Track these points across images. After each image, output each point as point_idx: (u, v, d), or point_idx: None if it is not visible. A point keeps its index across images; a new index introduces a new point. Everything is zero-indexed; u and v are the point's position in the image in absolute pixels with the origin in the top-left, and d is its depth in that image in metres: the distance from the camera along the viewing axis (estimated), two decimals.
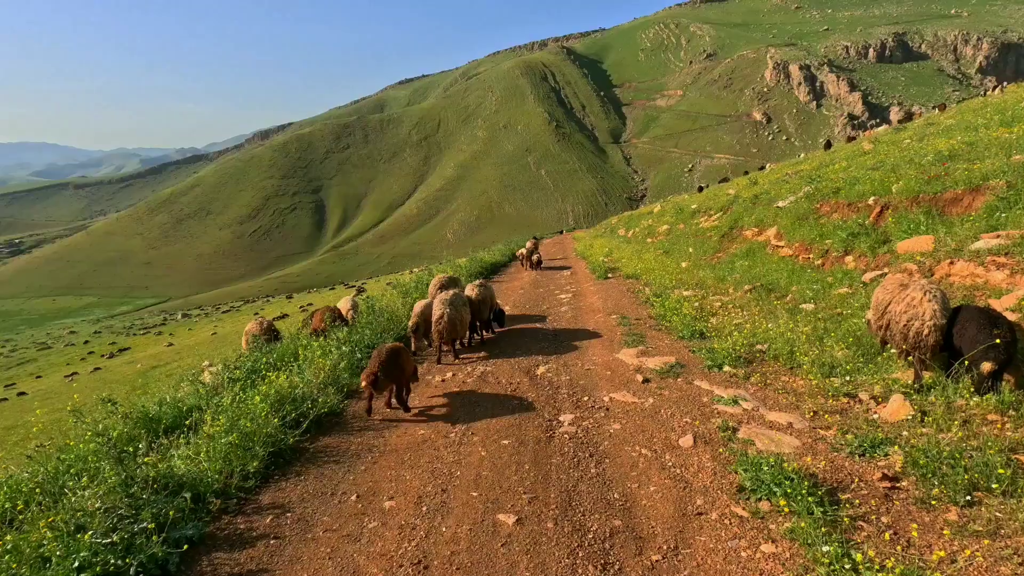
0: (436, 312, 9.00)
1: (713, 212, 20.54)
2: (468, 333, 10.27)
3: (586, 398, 7.08)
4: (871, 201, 11.18)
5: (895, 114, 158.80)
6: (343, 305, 12.23)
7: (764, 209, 15.78)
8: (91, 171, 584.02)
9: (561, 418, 6.49)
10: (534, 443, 5.88)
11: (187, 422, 6.34)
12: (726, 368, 7.48)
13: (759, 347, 7.92)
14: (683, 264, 16.22)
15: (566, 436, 6.01)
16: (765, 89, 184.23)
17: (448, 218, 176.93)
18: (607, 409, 6.63)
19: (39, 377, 37.62)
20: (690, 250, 18.06)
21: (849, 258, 10.45)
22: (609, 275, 17.46)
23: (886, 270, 8.81)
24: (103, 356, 42.31)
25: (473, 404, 7.15)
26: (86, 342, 55.78)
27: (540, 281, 18.75)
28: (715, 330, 9.13)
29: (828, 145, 33.04)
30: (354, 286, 62.03)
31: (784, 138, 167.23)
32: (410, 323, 9.65)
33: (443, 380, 8.31)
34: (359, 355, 8.79)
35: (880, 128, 34.70)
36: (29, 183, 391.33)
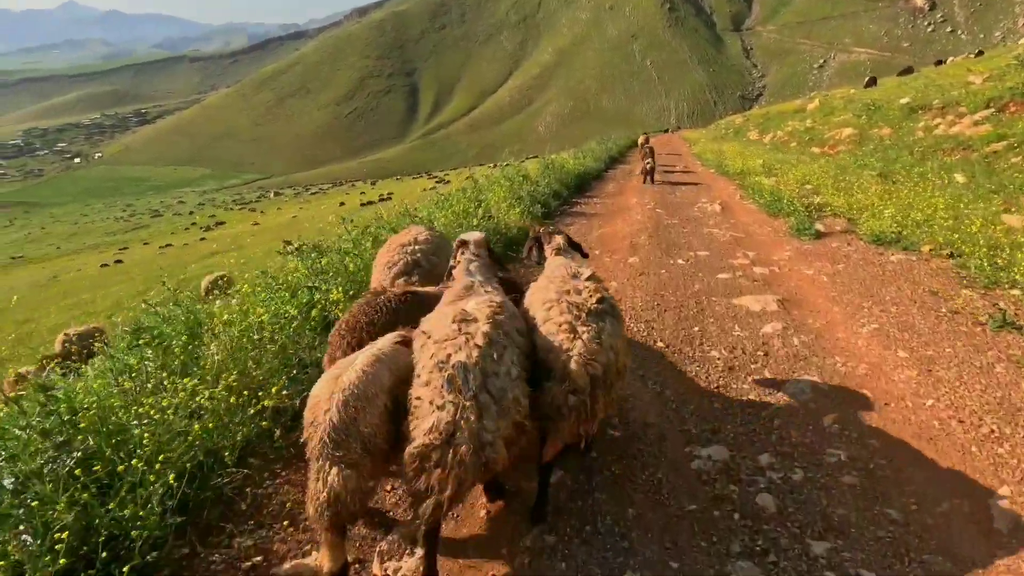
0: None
1: (965, 109, 12.77)
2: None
3: None
4: None
5: None
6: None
7: None
8: (202, 45, 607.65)
9: None
10: None
11: None
12: None
13: None
14: (1011, 219, 6.71)
15: None
16: None
17: (541, 109, 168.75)
18: None
19: (146, 244, 40.72)
20: (957, 178, 9.12)
21: None
22: (818, 226, 8.29)
23: None
24: (201, 228, 45.00)
25: None
26: (191, 212, 59.86)
27: (668, 225, 9.59)
28: None
29: None
30: (436, 177, 61.01)
31: (948, 30, 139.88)
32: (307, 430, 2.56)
33: None
34: None
35: None
36: (151, 55, 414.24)
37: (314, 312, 4.72)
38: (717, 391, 4.13)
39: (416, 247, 4.16)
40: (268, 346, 4.13)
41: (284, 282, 5.31)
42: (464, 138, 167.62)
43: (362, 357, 2.62)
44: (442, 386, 2.41)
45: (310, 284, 5.14)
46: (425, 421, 2.40)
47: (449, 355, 2.47)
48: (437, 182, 47.09)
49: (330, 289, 4.91)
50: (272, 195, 77.84)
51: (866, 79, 34.06)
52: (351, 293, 4.95)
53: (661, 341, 4.97)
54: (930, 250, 6.65)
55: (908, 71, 35.34)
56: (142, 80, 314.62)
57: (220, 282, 7.88)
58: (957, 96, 13.79)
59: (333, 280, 5.27)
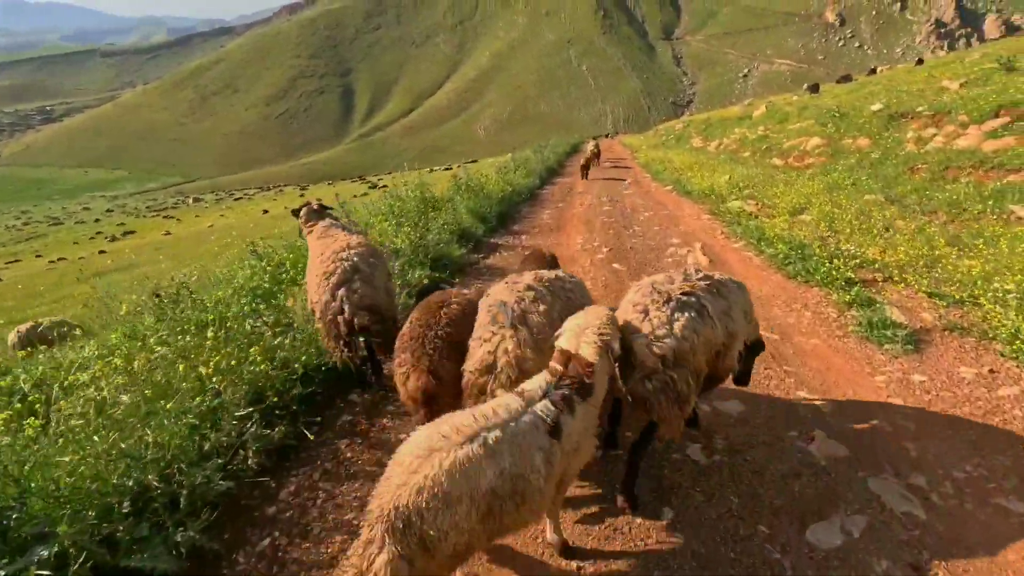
0: None
1: (967, 118, 10.84)
2: None
3: None
4: None
5: (991, 23, 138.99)
6: None
7: None
8: (119, 38, 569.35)
9: None
10: None
11: None
12: None
13: None
14: None
15: None
16: None
17: (479, 113, 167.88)
18: None
19: (39, 256, 36.44)
20: (1021, 213, 7.12)
21: None
22: (894, 315, 4.86)
23: None
24: (106, 239, 40.90)
25: None
26: (97, 220, 54.60)
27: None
28: None
29: None
30: (369, 182, 58.61)
31: (856, 44, 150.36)
32: None
33: None
34: None
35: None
36: (59, 47, 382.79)
37: None
38: None
39: (351, 251, 3.91)
40: None
41: None
42: (402, 141, 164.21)
43: (467, 445, 2.01)
44: (489, 322, 2.76)
45: None
46: (475, 354, 2.73)
47: (496, 300, 2.87)
48: (371, 187, 44.99)
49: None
50: (191, 201, 72.67)
51: (805, 85, 34.69)
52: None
53: None
54: None
55: (847, 79, 35.98)
56: (47, 75, 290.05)
57: (47, 333, 5.48)
58: (949, 102, 12.13)
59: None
